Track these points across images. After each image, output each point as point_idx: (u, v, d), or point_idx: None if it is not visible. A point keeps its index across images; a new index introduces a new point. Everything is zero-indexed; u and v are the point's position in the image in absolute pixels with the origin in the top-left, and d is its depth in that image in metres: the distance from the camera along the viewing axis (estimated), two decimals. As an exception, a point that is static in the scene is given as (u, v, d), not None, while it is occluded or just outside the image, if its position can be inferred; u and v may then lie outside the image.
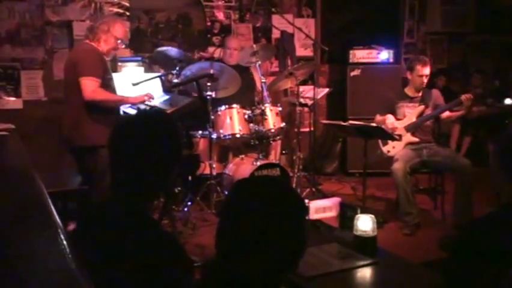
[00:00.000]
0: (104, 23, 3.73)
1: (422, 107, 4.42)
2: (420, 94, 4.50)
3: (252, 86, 5.20)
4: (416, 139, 4.39)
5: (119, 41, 3.79)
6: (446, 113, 4.43)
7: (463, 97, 4.22)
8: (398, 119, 4.50)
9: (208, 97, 4.39)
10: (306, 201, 3.07)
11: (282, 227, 1.26)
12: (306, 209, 1.37)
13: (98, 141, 3.52)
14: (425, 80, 4.44)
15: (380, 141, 4.53)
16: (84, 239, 1.55)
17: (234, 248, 1.28)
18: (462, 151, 6.20)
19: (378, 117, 4.58)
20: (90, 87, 3.50)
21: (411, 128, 4.41)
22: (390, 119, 4.47)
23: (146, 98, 3.89)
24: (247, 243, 1.25)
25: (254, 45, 4.93)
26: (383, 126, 4.24)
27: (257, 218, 1.25)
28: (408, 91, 4.54)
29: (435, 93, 4.54)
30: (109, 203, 1.66)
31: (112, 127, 1.67)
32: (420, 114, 4.42)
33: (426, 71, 4.40)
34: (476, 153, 6.03)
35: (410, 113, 4.45)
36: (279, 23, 5.91)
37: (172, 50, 4.83)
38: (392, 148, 4.46)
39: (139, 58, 5.32)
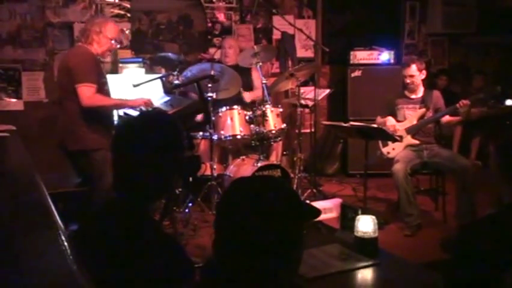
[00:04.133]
0: (96, 24, 3.68)
1: (423, 109, 4.40)
2: (420, 95, 4.49)
3: (250, 87, 5.20)
4: (416, 141, 4.39)
5: (112, 41, 3.74)
6: (446, 118, 4.41)
7: (460, 104, 4.21)
8: (398, 121, 4.50)
9: (209, 98, 4.39)
10: (307, 202, 3.06)
11: (276, 226, 1.25)
12: (302, 208, 1.35)
13: (91, 145, 3.51)
14: (409, 81, 4.43)
15: (380, 142, 4.53)
16: (85, 239, 1.55)
17: (229, 248, 1.27)
18: (472, 153, 6.18)
19: (379, 119, 4.58)
20: (87, 93, 3.47)
21: (411, 130, 4.40)
22: (390, 121, 4.47)
23: (144, 104, 3.78)
24: (242, 243, 1.25)
25: (255, 47, 4.92)
26: (384, 128, 4.24)
27: (252, 218, 1.25)
28: (409, 94, 4.53)
29: (436, 94, 4.52)
30: (111, 204, 1.66)
31: (108, 130, 1.69)
32: (421, 117, 4.42)
33: (408, 71, 4.42)
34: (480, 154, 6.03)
35: (411, 114, 4.45)
36: (280, 24, 5.90)
37: (171, 55, 4.84)
38: (392, 150, 4.46)
39: (140, 59, 5.32)
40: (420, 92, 4.51)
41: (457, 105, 4.22)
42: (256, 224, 1.24)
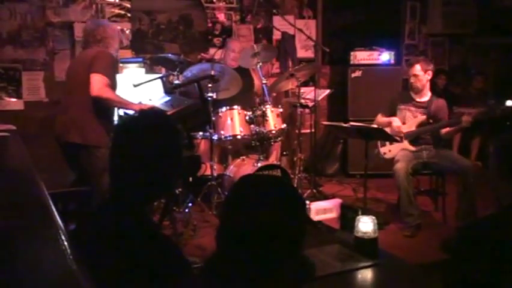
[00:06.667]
0: (109, 29, 3.76)
1: (424, 117, 4.36)
2: (426, 100, 4.41)
3: (251, 87, 5.20)
4: (412, 148, 4.34)
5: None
6: (446, 128, 4.35)
7: (464, 118, 4.15)
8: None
9: (209, 98, 4.39)
10: (307, 202, 3.06)
11: (281, 223, 1.26)
12: (304, 206, 1.37)
13: (94, 141, 3.52)
14: (413, 80, 4.38)
15: (378, 142, 4.52)
16: (82, 239, 1.54)
17: (232, 243, 1.28)
18: (472, 154, 6.18)
19: (381, 118, 4.55)
20: (98, 83, 3.51)
21: (409, 136, 4.36)
22: (396, 122, 4.42)
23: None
24: (246, 239, 1.25)
25: (255, 46, 4.92)
26: (384, 128, 4.23)
27: (257, 214, 1.25)
28: (415, 95, 4.45)
29: (441, 103, 4.43)
30: (108, 204, 1.66)
31: (110, 130, 1.69)
32: (420, 124, 4.38)
33: (412, 70, 4.38)
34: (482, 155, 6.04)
35: (411, 118, 4.40)
36: (280, 24, 5.91)
37: (171, 55, 4.85)
38: (388, 151, 4.45)
39: (140, 59, 5.32)
40: (426, 96, 4.44)
41: (462, 118, 4.15)
42: (259, 221, 1.25)
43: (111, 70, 3.61)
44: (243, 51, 5.05)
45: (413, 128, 4.38)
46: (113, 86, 3.65)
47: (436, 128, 4.36)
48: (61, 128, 3.67)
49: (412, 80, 4.41)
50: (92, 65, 3.54)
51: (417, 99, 4.45)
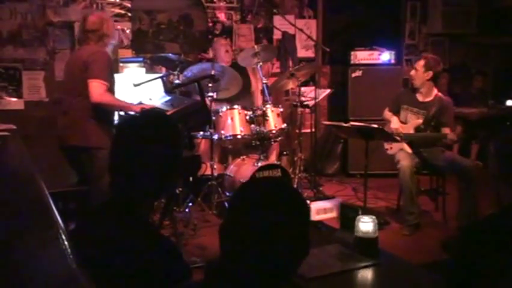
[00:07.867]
0: (110, 26, 3.73)
1: (420, 121, 4.32)
2: (428, 100, 4.35)
3: (248, 87, 5.20)
4: (409, 150, 4.31)
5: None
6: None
7: (449, 136, 4.18)
8: (400, 122, 4.46)
9: (209, 98, 4.39)
10: (307, 202, 3.07)
11: (286, 229, 1.26)
12: (309, 211, 1.37)
13: (95, 143, 3.52)
14: (412, 73, 4.38)
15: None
16: (81, 239, 1.55)
17: (237, 247, 1.28)
18: (473, 154, 6.18)
19: (387, 114, 4.55)
20: (98, 90, 3.50)
21: (407, 138, 4.35)
22: (394, 123, 4.41)
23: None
24: (251, 243, 1.25)
25: (255, 46, 4.92)
26: (384, 127, 4.23)
27: (262, 219, 1.25)
28: (419, 95, 4.40)
29: (445, 104, 4.35)
30: (107, 204, 1.66)
31: (111, 130, 1.68)
32: (417, 128, 4.35)
33: (415, 64, 4.39)
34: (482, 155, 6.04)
35: (412, 118, 4.39)
36: (281, 24, 5.91)
37: (171, 55, 4.85)
38: (390, 148, 4.45)
39: (141, 59, 5.32)
40: (430, 96, 4.36)
41: (448, 137, 4.19)
42: (265, 226, 1.25)
43: (108, 72, 3.59)
44: (243, 51, 5.05)
45: (411, 131, 4.35)
46: (111, 86, 3.65)
47: (427, 139, 4.35)
48: (62, 131, 3.67)
49: (412, 73, 4.40)
50: (89, 70, 3.51)
51: (421, 100, 4.39)
